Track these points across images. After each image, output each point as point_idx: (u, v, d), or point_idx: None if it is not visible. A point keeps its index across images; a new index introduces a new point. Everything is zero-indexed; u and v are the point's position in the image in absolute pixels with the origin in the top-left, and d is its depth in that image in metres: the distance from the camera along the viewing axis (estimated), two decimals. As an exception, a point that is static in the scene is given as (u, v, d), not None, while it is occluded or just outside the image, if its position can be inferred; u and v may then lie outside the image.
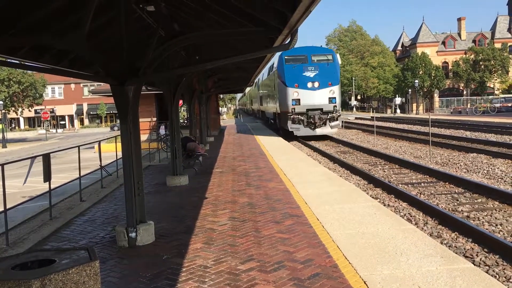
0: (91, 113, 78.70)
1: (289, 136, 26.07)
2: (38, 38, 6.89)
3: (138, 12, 8.47)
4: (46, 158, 8.28)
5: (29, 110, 59.98)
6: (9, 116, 60.68)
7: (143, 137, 23.89)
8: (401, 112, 68.97)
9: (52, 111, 71.88)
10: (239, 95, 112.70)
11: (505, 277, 5.94)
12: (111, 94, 6.70)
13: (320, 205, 8.36)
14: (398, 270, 5.04)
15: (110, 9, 6.87)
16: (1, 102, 45.58)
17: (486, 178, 12.70)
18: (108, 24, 7.97)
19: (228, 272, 5.32)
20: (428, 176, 12.95)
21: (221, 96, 74.79)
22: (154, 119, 28.45)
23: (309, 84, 25.28)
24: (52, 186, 9.01)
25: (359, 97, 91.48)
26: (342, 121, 33.60)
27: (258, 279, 5.07)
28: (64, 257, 3.58)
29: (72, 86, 76.72)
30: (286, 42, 7.43)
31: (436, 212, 8.66)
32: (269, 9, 6.85)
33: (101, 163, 12.27)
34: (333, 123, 25.72)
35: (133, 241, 6.63)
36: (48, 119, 65.91)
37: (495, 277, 5.89)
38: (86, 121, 79.24)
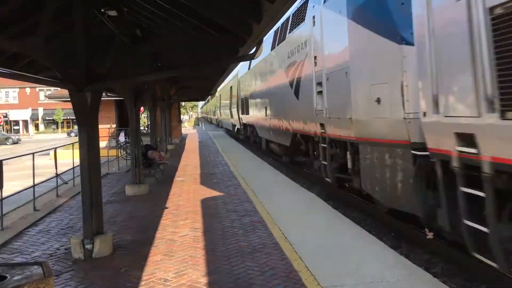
0: (47, 118, 76.21)
1: (249, 143, 26.01)
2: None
3: (99, 17, 8.26)
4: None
5: (-19, 114, 57.54)
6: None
7: (102, 144, 23.26)
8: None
9: (6, 116, 69.25)
10: (201, 103, 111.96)
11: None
12: (69, 99, 6.46)
13: (284, 215, 8.34)
14: (360, 282, 5.04)
15: (70, 13, 6.64)
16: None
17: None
18: (67, 28, 7.73)
19: (189, 286, 5.19)
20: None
21: (183, 103, 74.19)
22: (114, 125, 27.82)
23: None
24: (4, 194, 8.59)
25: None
26: None
27: (220, 292, 4.96)
28: (16, 272, 3.37)
29: (28, 90, 74.11)
30: (251, 52, 7.42)
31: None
32: (234, 18, 6.82)
33: (56, 171, 11.84)
34: None
35: (90, 253, 6.38)
36: (1, 123, 63.42)
37: None
38: (41, 127, 76.69)
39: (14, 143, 49.54)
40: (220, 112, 49.32)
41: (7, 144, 48.50)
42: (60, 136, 63.72)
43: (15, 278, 3.26)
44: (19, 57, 9.10)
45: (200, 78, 20.49)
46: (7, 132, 70.55)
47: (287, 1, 4.81)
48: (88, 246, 6.38)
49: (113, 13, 8.23)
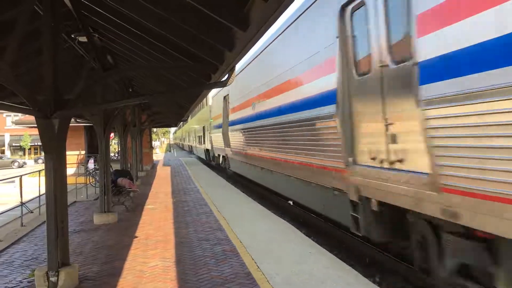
0: (13, 144, 74.24)
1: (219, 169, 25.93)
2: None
3: (69, 42, 8.16)
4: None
5: None
6: None
7: (71, 171, 22.72)
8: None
9: (-30, 142, 67.14)
10: (173, 129, 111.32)
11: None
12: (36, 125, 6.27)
13: (256, 243, 8.22)
14: None
15: (38, 38, 6.52)
16: None
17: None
18: (35, 52, 7.59)
19: (159, 319, 5.00)
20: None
21: (155, 129, 73.62)
22: (83, 152, 27.25)
23: None
24: (-36, 225, 8.22)
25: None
26: None
27: (190, 326, 4.79)
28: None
29: (-6, 115, 72.31)
30: (223, 79, 7.41)
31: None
32: (206, 45, 6.81)
33: (22, 199, 11.43)
34: None
35: (54, 286, 6.10)
36: (-35, 150, 61.35)
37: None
38: (8, 153, 74.54)
39: (20, 166, 51.10)
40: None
41: (12, 168, 49.15)
42: (27, 163, 62.02)
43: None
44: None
45: (172, 104, 20.38)
46: (-29, 159, 68.35)
47: (259, 29, 4.83)
48: (53, 279, 6.10)
49: (83, 39, 8.15)
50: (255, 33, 4.95)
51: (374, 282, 6.43)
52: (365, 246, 8.31)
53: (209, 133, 29.24)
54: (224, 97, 22.06)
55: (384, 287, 6.91)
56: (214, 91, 25.45)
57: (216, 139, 25.85)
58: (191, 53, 7.61)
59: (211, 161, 31.29)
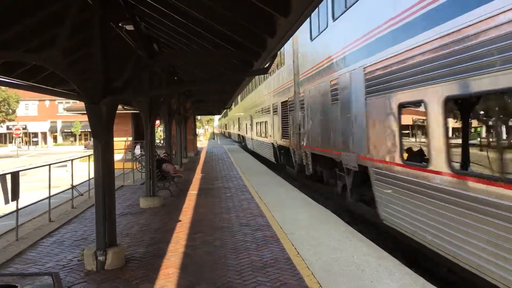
0: (65, 130, 77.32)
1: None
2: (13, 54, 6.74)
3: (116, 31, 8.41)
4: (14, 177, 8.01)
5: (1, 126, 58.55)
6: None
7: (118, 156, 23.50)
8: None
9: (25, 128, 70.40)
10: (217, 117, 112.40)
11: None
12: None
13: (297, 229, 8.28)
14: None
15: (88, 27, 6.77)
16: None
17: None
18: (85, 41, 7.87)
19: (200, 299, 5.16)
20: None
21: (199, 117, 74.67)
22: (130, 138, 28.08)
23: None
24: (20, 205, 8.69)
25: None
26: None
27: (230, 307, 4.92)
28: (26, 282, 3.39)
29: (47, 102, 75.44)
30: (266, 65, 7.45)
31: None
32: (249, 33, 6.86)
33: (72, 183, 11.95)
34: None
35: (102, 265, 6.40)
36: (20, 135, 64.49)
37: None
38: (59, 139, 77.78)
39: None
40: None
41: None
42: (77, 148, 64.55)
43: (25, 288, 3.27)
44: (38, 70, 9.29)
45: (216, 91, 20.61)
46: (26, 144, 71.77)
47: (301, 15, 4.83)
48: (101, 258, 6.40)
49: (130, 27, 8.37)
50: (296, 19, 4.95)
51: (416, 271, 6.33)
52: (403, 236, 8.18)
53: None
54: None
55: (427, 277, 6.79)
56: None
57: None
58: (234, 41, 7.69)
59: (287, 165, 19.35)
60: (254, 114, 28.75)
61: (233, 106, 49.75)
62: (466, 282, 6.44)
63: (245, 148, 38.95)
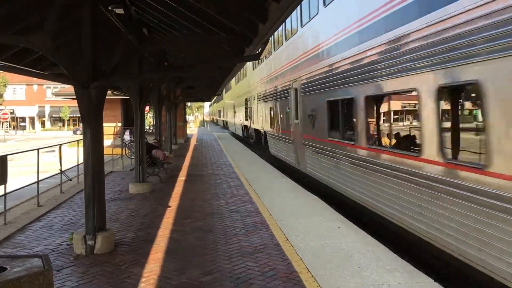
0: (53, 115, 76.65)
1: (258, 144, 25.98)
2: (0, 36, 6.63)
3: (106, 15, 8.31)
4: (2, 160, 7.94)
5: (-12, 110, 57.83)
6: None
7: (107, 142, 23.34)
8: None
9: (12, 112, 69.63)
10: (207, 104, 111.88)
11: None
12: (75, 97, 6.49)
13: (286, 216, 8.33)
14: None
15: (77, 10, 6.68)
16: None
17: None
18: (74, 24, 7.77)
19: (190, 284, 5.19)
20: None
21: (189, 104, 74.36)
22: (119, 124, 27.90)
23: None
24: (8, 189, 8.63)
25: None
26: None
27: (219, 291, 4.96)
28: (16, 264, 3.39)
29: (35, 87, 74.61)
30: (257, 51, 7.43)
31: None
32: (240, 18, 6.83)
33: (61, 167, 11.88)
34: None
35: (91, 249, 6.40)
36: (8, 120, 63.78)
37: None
38: (48, 124, 77.10)
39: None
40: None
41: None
42: (66, 134, 64.05)
43: (15, 269, 3.27)
44: (27, 53, 9.16)
45: (206, 78, 20.53)
46: (13, 129, 71.03)
47: (293, 1, 4.81)
48: (90, 242, 6.40)
49: (120, 11, 8.28)
50: (288, 4, 4.93)
51: (403, 258, 6.42)
52: (392, 224, 8.28)
53: None
54: None
55: (413, 263, 6.90)
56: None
57: None
58: (225, 26, 7.64)
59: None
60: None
61: (223, 94, 50.12)
62: (455, 269, 6.55)
63: (234, 134, 39.79)
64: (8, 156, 8.46)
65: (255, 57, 7.69)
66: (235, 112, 37.93)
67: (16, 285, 3.10)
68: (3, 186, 8.19)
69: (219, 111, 66.39)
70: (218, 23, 7.72)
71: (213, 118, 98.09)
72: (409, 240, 7.74)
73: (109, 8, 8.27)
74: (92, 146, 6.48)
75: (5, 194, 8.54)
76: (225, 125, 55.58)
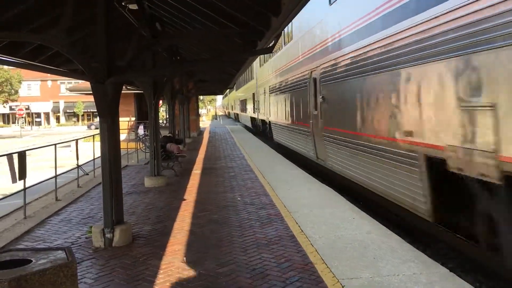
0: (68, 111, 77.45)
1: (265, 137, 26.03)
2: (17, 34, 6.76)
3: (119, 10, 8.38)
4: (21, 156, 8.11)
5: (4, 106, 58.65)
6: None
7: (122, 136, 23.56)
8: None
9: (28, 108, 70.49)
10: (219, 98, 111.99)
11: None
12: (89, 92, 6.62)
13: (300, 208, 8.39)
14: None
15: (91, 6, 6.77)
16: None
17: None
18: (88, 21, 7.87)
19: (207, 275, 5.28)
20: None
21: (201, 97, 74.52)
22: (133, 118, 28.14)
23: None
24: (27, 184, 8.81)
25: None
26: None
27: (237, 283, 5.04)
28: (41, 257, 3.50)
29: (49, 83, 75.38)
30: (269, 45, 7.45)
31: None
32: (253, 11, 6.85)
33: (78, 162, 12.07)
34: None
35: (110, 242, 6.53)
36: (23, 116, 64.62)
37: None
38: (62, 119, 77.96)
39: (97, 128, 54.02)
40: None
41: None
42: (80, 129, 64.71)
43: (40, 262, 3.38)
44: (42, 50, 9.30)
45: (218, 71, 20.58)
46: (29, 124, 71.95)
47: (306, -6, 4.83)
48: (109, 235, 6.52)
49: (133, 6, 8.35)
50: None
51: (418, 248, 6.44)
52: (404, 213, 8.28)
53: None
54: None
55: (428, 254, 6.92)
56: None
57: None
58: (238, 20, 7.67)
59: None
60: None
61: (234, 90, 50.69)
62: (468, 258, 6.56)
63: (246, 127, 40.27)
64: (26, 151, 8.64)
65: (268, 51, 7.72)
66: (246, 104, 40.78)
67: (41, 277, 3.20)
68: (22, 181, 8.36)
69: (232, 105, 68.45)
70: (230, 16, 7.75)
71: (225, 111, 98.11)
72: (424, 231, 7.75)
73: (123, 3, 8.35)
74: (109, 140, 6.58)
75: (25, 189, 8.72)
76: (236, 117, 58.17)
